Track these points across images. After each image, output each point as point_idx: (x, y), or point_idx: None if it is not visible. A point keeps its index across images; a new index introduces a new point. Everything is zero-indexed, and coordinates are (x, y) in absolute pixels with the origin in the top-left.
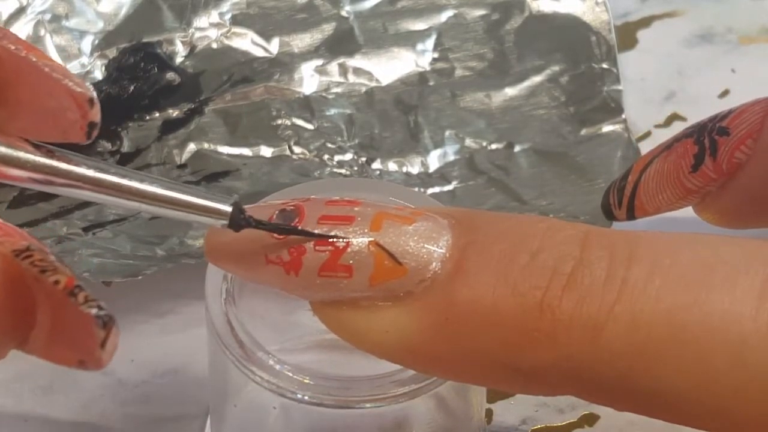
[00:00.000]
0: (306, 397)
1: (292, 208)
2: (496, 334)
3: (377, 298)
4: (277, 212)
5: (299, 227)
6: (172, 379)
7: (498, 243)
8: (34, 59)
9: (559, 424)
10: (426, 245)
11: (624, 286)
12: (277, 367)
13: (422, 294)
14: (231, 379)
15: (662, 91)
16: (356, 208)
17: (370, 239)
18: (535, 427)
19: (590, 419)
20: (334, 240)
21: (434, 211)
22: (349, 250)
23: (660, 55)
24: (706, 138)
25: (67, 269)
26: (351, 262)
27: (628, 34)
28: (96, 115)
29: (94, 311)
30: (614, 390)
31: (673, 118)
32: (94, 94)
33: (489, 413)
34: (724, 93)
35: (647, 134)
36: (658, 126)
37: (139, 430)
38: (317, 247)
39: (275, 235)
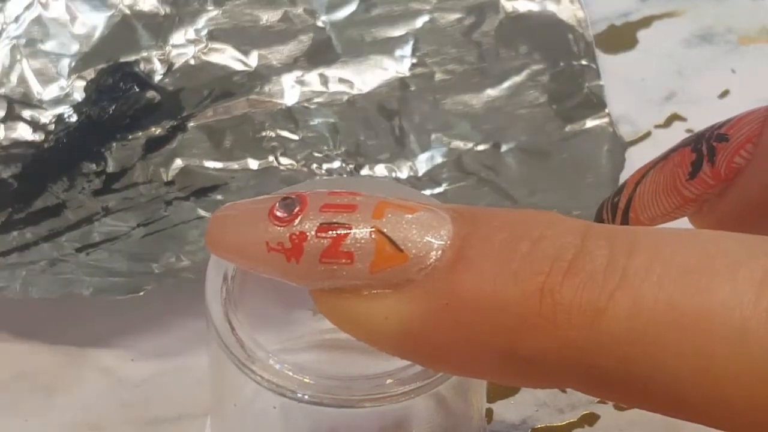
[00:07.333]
0: (306, 397)
1: (294, 196)
2: (497, 320)
3: (378, 285)
4: (279, 201)
5: (301, 215)
6: (172, 379)
7: (499, 232)
8: None
9: (559, 423)
10: (428, 233)
11: (625, 272)
12: (278, 366)
13: (423, 281)
14: (231, 379)
15: (662, 91)
16: (358, 198)
17: (372, 226)
18: (535, 427)
19: (590, 419)
20: (336, 225)
21: (436, 205)
22: (350, 236)
23: (660, 55)
24: (704, 145)
25: None
26: (352, 248)
27: (628, 34)
28: None
29: None
30: (613, 378)
31: (673, 118)
32: None
33: (489, 413)
34: (724, 93)
35: (647, 134)
36: (658, 126)
37: (139, 430)
38: (319, 234)
39: (276, 222)
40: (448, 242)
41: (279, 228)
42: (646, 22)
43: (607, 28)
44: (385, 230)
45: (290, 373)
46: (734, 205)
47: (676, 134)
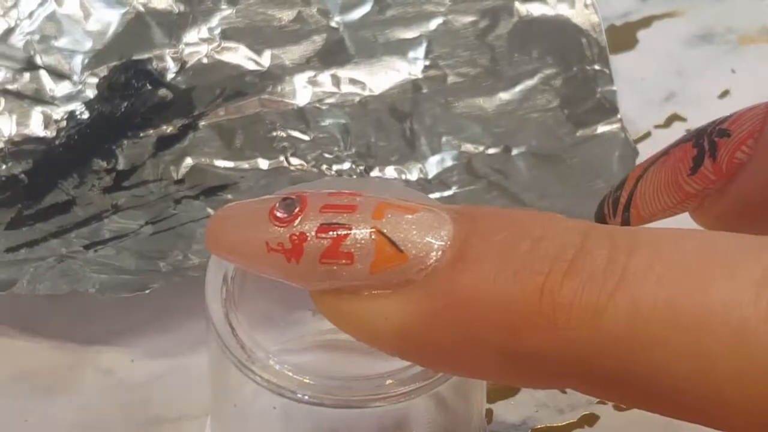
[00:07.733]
0: (306, 397)
1: (294, 197)
2: (497, 320)
3: (378, 286)
4: (279, 201)
5: (301, 216)
6: (172, 380)
7: (500, 232)
8: None
9: (559, 424)
10: (428, 234)
11: (625, 272)
12: (278, 367)
13: (423, 282)
14: (231, 379)
15: (662, 92)
16: (358, 198)
17: (372, 227)
18: (535, 428)
19: (590, 419)
20: (336, 226)
21: (437, 206)
22: (350, 237)
23: (660, 55)
24: (706, 140)
25: None
26: (352, 249)
27: (628, 34)
28: None
29: None
30: (613, 379)
31: (673, 118)
32: None
33: (489, 413)
34: (724, 93)
35: (647, 135)
36: (658, 126)
37: (139, 430)
38: (319, 234)
39: (276, 222)
40: (449, 243)
41: (279, 228)
42: (646, 22)
43: (607, 28)
44: (385, 231)
45: (290, 374)
46: (735, 200)
47: (676, 134)
